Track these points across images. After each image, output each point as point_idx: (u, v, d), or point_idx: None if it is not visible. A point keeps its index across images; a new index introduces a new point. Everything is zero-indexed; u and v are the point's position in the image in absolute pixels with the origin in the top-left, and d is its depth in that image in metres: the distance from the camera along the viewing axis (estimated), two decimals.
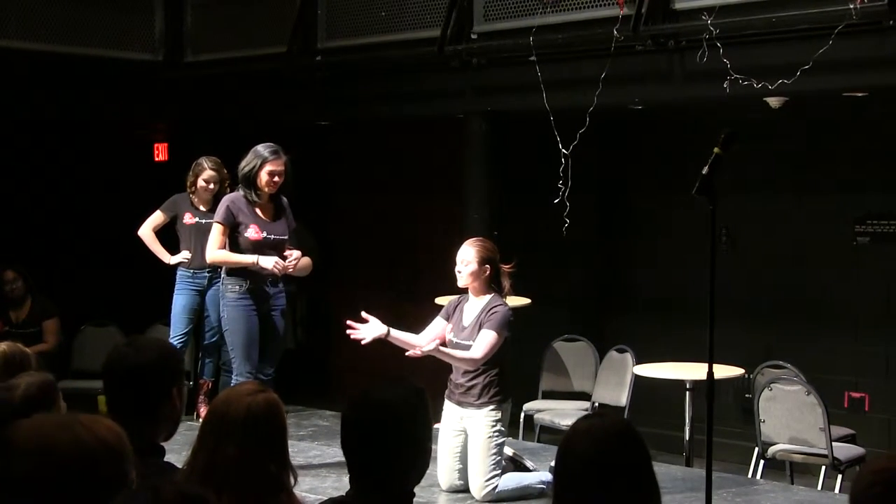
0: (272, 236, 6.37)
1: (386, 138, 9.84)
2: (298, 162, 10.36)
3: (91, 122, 9.37)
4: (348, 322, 5.79)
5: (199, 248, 7.67)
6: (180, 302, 7.70)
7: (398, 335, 5.90)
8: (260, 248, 6.32)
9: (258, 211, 6.39)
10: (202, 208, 7.75)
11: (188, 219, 7.74)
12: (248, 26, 9.12)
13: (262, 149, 6.40)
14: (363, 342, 5.79)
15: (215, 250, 6.37)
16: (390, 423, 2.76)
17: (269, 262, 6.25)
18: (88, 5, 9.00)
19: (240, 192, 6.41)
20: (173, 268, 7.76)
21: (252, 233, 6.31)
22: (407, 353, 5.74)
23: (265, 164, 6.34)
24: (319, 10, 8.60)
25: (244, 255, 6.29)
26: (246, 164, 6.38)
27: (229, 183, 7.84)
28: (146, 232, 7.78)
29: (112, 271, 9.25)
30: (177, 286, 7.74)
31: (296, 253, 6.38)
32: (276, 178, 6.35)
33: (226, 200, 6.44)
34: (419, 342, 5.89)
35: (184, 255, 7.71)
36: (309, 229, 8.26)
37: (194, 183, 7.75)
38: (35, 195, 9.44)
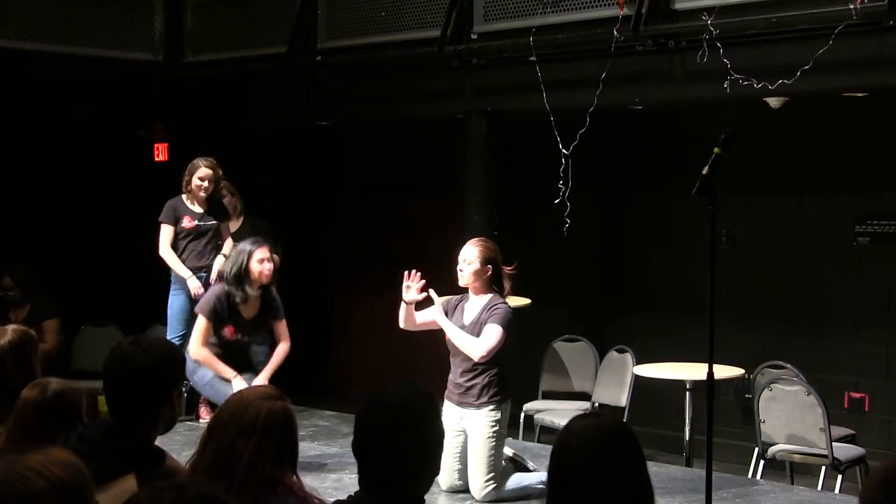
0: (246, 338, 6.44)
1: (386, 138, 9.84)
2: (299, 162, 10.41)
3: (91, 122, 9.36)
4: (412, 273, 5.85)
5: (198, 250, 7.65)
6: (177, 303, 7.66)
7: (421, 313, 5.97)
8: (233, 347, 6.37)
9: (240, 309, 6.39)
10: (199, 210, 7.71)
11: (187, 222, 7.66)
12: (248, 26, 9.12)
13: (243, 244, 6.44)
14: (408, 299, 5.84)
15: (200, 346, 6.35)
16: (403, 427, 2.76)
17: (240, 384, 6.21)
18: (88, 5, 9.00)
19: (225, 288, 6.37)
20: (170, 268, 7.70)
21: (227, 332, 6.36)
22: (407, 299, 5.80)
23: (252, 255, 6.33)
24: (319, 10, 8.60)
25: (226, 367, 6.29)
26: (233, 264, 6.36)
27: (224, 184, 7.82)
28: (168, 252, 7.63)
29: (112, 271, 9.25)
30: (172, 287, 7.70)
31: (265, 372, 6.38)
32: (268, 264, 6.35)
33: (213, 291, 6.46)
34: (419, 319, 5.99)
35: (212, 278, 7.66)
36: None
37: (189, 182, 7.69)
38: (35, 195, 9.43)
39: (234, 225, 8.11)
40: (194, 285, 7.61)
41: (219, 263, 7.71)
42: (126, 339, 3.29)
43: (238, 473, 2.85)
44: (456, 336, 5.84)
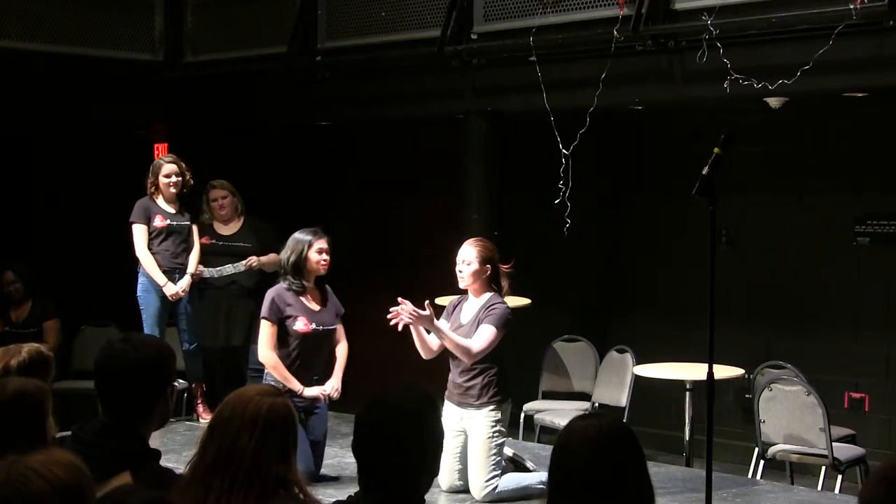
0: (321, 327, 6.22)
1: (386, 138, 9.84)
2: (299, 162, 10.40)
3: (91, 122, 9.36)
4: (392, 309, 5.72)
5: (171, 250, 7.61)
6: (152, 304, 7.54)
7: (422, 332, 5.86)
8: (309, 340, 6.16)
9: (305, 300, 6.23)
10: (171, 210, 7.65)
11: (159, 221, 7.57)
12: (248, 26, 9.13)
13: (302, 234, 6.26)
14: (400, 326, 5.72)
15: (269, 350, 6.13)
16: (403, 428, 2.76)
17: (313, 391, 6.15)
18: (88, 5, 9.00)
19: (282, 285, 6.21)
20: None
21: (301, 325, 6.15)
22: (393, 310, 5.67)
23: (312, 245, 6.20)
24: (319, 10, 8.60)
25: (294, 379, 6.09)
26: (291, 253, 6.19)
27: (191, 175, 7.77)
28: (146, 254, 7.54)
29: (112, 271, 9.24)
30: (142, 284, 7.58)
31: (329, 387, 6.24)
32: (326, 256, 6.24)
33: (270, 294, 6.20)
34: (435, 344, 5.89)
35: (185, 283, 7.59)
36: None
37: (155, 183, 7.60)
38: (35, 195, 9.43)
39: (236, 225, 8.09)
40: (171, 291, 7.55)
41: (192, 264, 7.67)
42: (117, 337, 3.26)
43: (241, 471, 2.85)
44: (449, 342, 5.82)
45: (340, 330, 6.42)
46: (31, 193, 9.44)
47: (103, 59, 9.04)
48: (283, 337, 6.17)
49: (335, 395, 6.24)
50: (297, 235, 6.27)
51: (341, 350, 6.39)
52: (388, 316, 5.70)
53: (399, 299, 5.74)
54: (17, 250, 8.89)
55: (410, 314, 5.65)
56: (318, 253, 6.21)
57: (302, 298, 6.21)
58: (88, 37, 8.97)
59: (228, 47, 9.23)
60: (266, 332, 6.15)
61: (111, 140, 9.66)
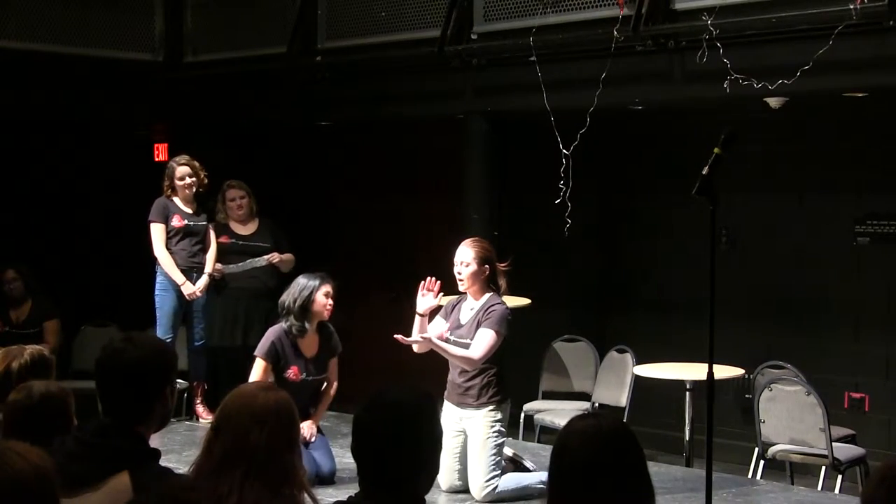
0: (310, 377, 6.22)
1: (386, 138, 9.84)
2: (299, 162, 10.41)
3: (91, 122, 9.37)
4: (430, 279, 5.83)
5: (188, 249, 7.62)
6: (168, 304, 7.59)
7: (423, 323, 5.89)
8: (297, 389, 6.03)
9: (301, 347, 6.20)
10: (188, 210, 7.68)
11: (177, 221, 7.62)
12: (248, 26, 9.13)
13: (307, 278, 6.21)
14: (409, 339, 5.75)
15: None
16: (402, 426, 2.76)
17: (307, 430, 6.14)
18: (88, 5, 9.01)
19: (283, 326, 6.16)
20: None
21: (291, 373, 6.13)
22: (396, 336, 5.70)
23: (319, 288, 6.15)
24: (319, 11, 8.61)
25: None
26: (297, 296, 6.13)
27: (206, 174, 7.78)
28: (164, 253, 7.57)
29: (112, 271, 9.25)
30: (159, 284, 7.62)
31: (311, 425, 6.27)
32: (331, 301, 6.21)
33: (270, 335, 6.16)
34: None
35: (202, 283, 7.63)
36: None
37: (171, 186, 7.65)
38: (35, 195, 9.43)
39: (253, 225, 8.06)
40: (189, 291, 7.58)
41: (209, 264, 7.70)
42: (117, 337, 3.27)
43: (256, 463, 2.87)
44: (450, 356, 5.84)
45: (334, 368, 6.39)
46: (32, 193, 9.44)
47: (103, 59, 9.04)
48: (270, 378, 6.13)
49: (309, 437, 6.21)
50: (303, 280, 6.22)
51: (329, 392, 6.40)
52: (421, 285, 5.82)
53: (429, 278, 5.85)
54: (17, 250, 8.89)
55: (404, 342, 5.71)
56: (324, 297, 6.18)
57: (298, 344, 6.19)
58: (88, 37, 8.98)
59: (228, 47, 9.24)
60: (258, 370, 6.13)
61: (111, 140, 9.67)
